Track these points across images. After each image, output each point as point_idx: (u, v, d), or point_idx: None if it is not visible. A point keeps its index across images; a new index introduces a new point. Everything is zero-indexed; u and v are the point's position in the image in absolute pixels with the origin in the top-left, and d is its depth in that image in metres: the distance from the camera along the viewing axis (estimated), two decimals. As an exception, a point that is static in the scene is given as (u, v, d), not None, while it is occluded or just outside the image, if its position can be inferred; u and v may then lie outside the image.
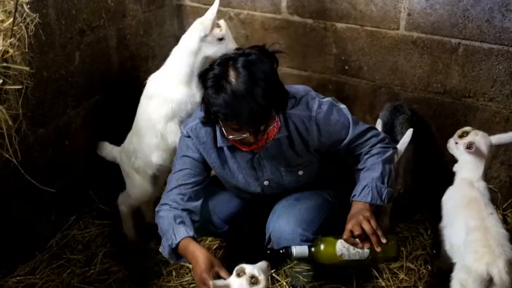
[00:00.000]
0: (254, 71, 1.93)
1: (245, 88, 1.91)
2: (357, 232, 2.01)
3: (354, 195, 2.22)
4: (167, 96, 2.62)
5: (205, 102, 2.04)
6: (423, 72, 3.11)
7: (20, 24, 2.20)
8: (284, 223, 2.31)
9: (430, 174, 3.22)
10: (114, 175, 2.98)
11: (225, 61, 1.98)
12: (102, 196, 3.23)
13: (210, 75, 1.98)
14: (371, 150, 2.31)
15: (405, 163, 2.84)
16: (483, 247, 2.15)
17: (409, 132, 2.71)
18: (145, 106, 2.72)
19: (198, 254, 2.03)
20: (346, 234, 2.04)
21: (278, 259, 2.08)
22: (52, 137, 2.86)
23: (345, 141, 2.28)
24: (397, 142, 2.85)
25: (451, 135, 3.12)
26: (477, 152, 2.46)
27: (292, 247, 2.05)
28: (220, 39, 2.61)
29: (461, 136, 2.53)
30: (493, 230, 2.22)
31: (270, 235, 2.35)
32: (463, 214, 2.34)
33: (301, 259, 2.08)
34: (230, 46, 2.60)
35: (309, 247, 2.07)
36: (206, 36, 2.60)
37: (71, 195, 3.05)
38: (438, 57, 3.02)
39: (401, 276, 2.70)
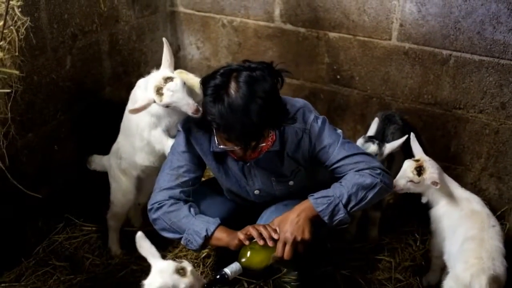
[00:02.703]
0: (255, 88, 1.93)
1: (242, 103, 1.91)
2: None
3: (313, 194, 2.20)
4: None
5: (203, 108, 2.04)
6: (414, 83, 3.12)
7: (11, 27, 2.18)
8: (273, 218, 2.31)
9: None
10: (102, 183, 2.95)
11: (229, 72, 1.98)
12: (90, 203, 3.20)
13: (211, 83, 1.98)
14: (358, 171, 2.22)
15: (394, 174, 2.84)
16: (474, 258, 2.15)
17: (403, 138, 2.71)
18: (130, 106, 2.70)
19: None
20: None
21: (220, 284, 2.12)
22: (41, 142, 2.83)
23: (332, 159, 2.25)
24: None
25: (441, 146, 3.15)
26: (441, 173, 2.49)
27: (224, 270, 2.04)
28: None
29: (419, 173, 2.45)
30: (489, 243, 2.22)
31: None
32: (465, 224, 2.34)
33: (237, 274, 2.10)
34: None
35: (239, 261, 2.07)
36: None
37: (59, 201, 3.02)
38: (429, 68, 3.04)
39: (389, 287, 2.69)
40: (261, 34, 3.49)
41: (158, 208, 2.27)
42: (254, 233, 2.08)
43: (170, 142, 2.52)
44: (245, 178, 2.36)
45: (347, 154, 2.24)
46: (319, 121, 2.27)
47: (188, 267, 1.83)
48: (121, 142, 2.76)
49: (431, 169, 2.45)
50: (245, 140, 2.01)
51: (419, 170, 2.45)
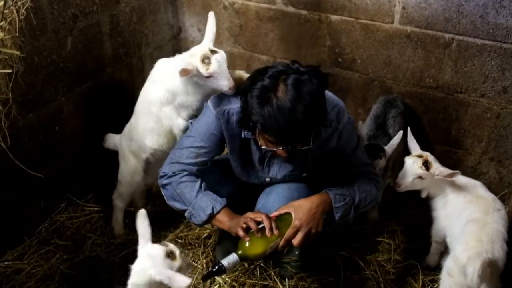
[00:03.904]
0: (303, 91, 1.94)
1: (290, 106, 1.92)
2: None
3: (331, 189, 2.25)
4: (163, 84, 2.61)
5: (246, 108, 2.05)
6: (416, 67, 3.11)
7: (11, 7, 2.18)
8: (273, 199, 2.37)
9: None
10: (105, 162, 2.97)
11: (278, 74, 1.98)
12: (92, 183, 3.22)
13: (259, 85, 1.98)
14: (369, 177, 2.37)
15: (395, 157, 2.86)
16: (474, 241, 2.18)
17: (399, 134, 2.73)
18: (146, 89, 2.70)
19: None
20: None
21: (217, 275, 2.17)
22: (43, 123, 2.84)
23: (350, 162, 2.37)
24: (389, 135, 2.87)
25: (442, 130, 3.16)
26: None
27: (222, 261, 2.04)
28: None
29: (427, 168, 2.45)
30: (491, 226, 2.23)
31: (259, 209, 2.37)
32: (469, 208, 2.36)
33: (235, 265, 2.12)
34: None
35: (237, 253, 2.07)
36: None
37: (61, 181, 3.04)
38: (431, 52, 3.02)
39: (388, 268, 2.72)
40: (262, 16, 3.48)
41: (171, 176, 2.31)
42: (252, 226, 2.09)
43: (179, 121, 2.55)
44: (261, 166, 2.40)
45: (363, 162, 2.40)
46: (351, 124, 2.33)
47: (176, 250, 1.85)
48: (134, 124, 2.77)
49: (437, 163, 2.46)
50: (291, 142, 2.03)
51: (426, 165, 2.46)
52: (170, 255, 1.82)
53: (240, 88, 2.16)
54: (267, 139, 2.06)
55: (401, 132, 2.75)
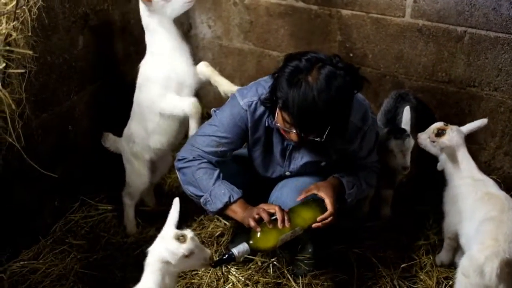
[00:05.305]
0: (333, 85, 1.93)
1: (316, 95, 1.91)
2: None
3: (343, 175, 2.34)
4: (151, 77, 2.64)
5: (275, 83, 2.06)
6: (428, 61, 3.08)
7: (23, 7, 2.18)
8: (286, 192, 2.38)
9: (433, 164, 3.20)
10: (117, 162, 2.98)
11: (316, 60, 1.98)
12: (105, 182, 3.24)
13: (294, 63, 1.99)
14: (372, 168, 2.52)
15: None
16: (490, 240, 2.14)
17: (407, 109, 2.74)
18: (137, 92, 2.75)
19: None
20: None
21: (227, 263, 2.20)
22: (56, 122, 2.86)
23: (364, 158, 2.46)
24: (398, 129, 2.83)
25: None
26: (459, 149, 2.47)
27: (232, 250, 2.05)
28: None
29: (438, 135, 2.48)
30: (508, 225, 2.19)
31: (272, 202, 2.37)
32: (485, 207, 2.32)
33: (245, 255, 2.12)
34: None
35: (248, 243, 2.08)
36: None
37: (75, 180, 3.06)
38: (443, 46, 3.00)
39: (403, 265, 2.70)
40: (273, 12, 3.46)
41: (190, 161, 2.31)
42: (265, 216, 2.09)
43: (186, 100, 2.58)
44: (282, 159, 2.41)
45: (374, 160, 2.52)
46: (374, 125, 2.38)
47: (189, 234, 1.86)
48: (134, 128, 2.80)
49: (451, 135, 2.46)
50: (305, 129, 2.03)
51: (441, 132, 2.47)
52: (180, 238, 1.83)
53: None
54: (284, 118, 2.05)
55: (408, 107, 2.75)
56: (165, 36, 2.62)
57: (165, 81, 2.61)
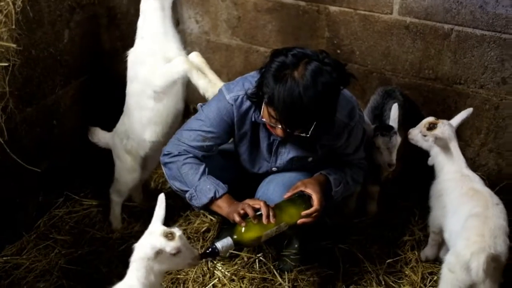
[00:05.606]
0: (320, 81, 1.93)
1: (302, 90, 1.91)
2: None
3: (330, 173, 2.36)
4: (140, 58, 2.63)
5: (262, 78, 2.05)
6: (415, 58, 3.10)
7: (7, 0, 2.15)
8: (273, 187, 2.37)
9: (419, 161, 3.22)
10: (102, 157, 2.96)
11: (302, 56, 1.97)
12: (91, 177, 3.21)
13: (280, 59, 1.98)
14: (359, 165, 2.54)
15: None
16: (476, 236, 2.15)
17: (395, 106, 2.76)
18: (129, 84, 2.72)
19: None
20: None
21: (210, 257, 2.22)
22: (40, 116, 2.83)
23: (351, 155, 2.46)
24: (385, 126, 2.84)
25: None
26: (451, 142, 2.48)
27: (216, 244, 2.05)
28: None
29: (429, 129, 2.50)
30: (493, 220, 2.20)
31: (259, 198, 2.37)
32: (469, 203, 2.33)
33: (230, 250, 2.14)
34: None
35: (232, 237, 2.08)
36: None
37: (59, 176, 3.03)
38: (430, 43, 3.01)
39: (388, 260, 2.71)
40: (260, 8, 3.45)
41: (175, 156, 2.30)
42: (249, 212, 2.09)
43: (175, 61, 2.54)
44: (269, 155, 2.41)
45: (361, 157, 2.53)
46: (361, 122, 2.38)
47: (177, 232, 1.84)
48: (128, 123, 2.76)
49: (442, 128, 2.47)
50: (291, 125, 2.02)
51: (433, 126, 2.49)
52: (168, 235, 1.82)
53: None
54: (270, 113, 2.05)
55: (396, 104, 2.77)
56: (161, 20, 2.60)
57: (154, 56, 2.57)
